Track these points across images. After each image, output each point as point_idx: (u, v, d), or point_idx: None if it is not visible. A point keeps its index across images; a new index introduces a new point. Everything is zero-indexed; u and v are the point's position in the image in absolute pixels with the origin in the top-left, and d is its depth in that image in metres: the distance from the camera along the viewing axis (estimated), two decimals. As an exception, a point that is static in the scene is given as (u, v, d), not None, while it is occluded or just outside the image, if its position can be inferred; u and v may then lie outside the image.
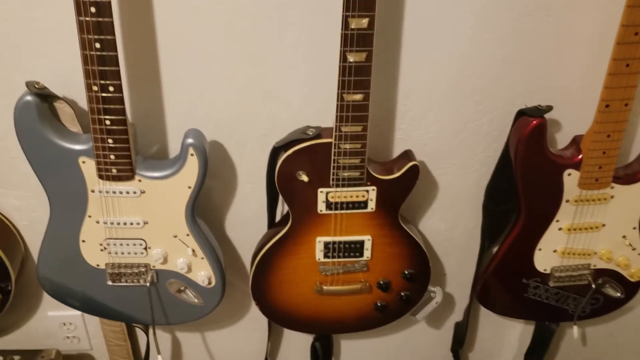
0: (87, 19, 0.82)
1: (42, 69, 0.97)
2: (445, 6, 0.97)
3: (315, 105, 1.03)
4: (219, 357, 1.39)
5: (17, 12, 0.93)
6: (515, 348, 1.41)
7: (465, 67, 1.02)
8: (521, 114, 1.01)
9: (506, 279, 1.15)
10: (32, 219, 1.14)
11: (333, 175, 0.98)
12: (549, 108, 0.99)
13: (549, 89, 1.05)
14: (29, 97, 0.91)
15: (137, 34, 0.96)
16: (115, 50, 0.85)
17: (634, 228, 1.10)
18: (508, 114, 1.05)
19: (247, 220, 1.16)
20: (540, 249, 1.10)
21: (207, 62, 0.99)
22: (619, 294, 1.18)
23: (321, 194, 1.00)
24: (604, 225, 1.08)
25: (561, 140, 1.09)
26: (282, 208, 1.13)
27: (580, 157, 1.01)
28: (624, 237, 1.10)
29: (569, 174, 1.02)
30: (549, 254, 1.11)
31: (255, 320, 1.28)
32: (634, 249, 1.12)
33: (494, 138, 1.10)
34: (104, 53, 0.84)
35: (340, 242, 1.06)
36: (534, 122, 0.97)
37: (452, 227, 1.21)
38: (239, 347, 1.36)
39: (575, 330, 1.23)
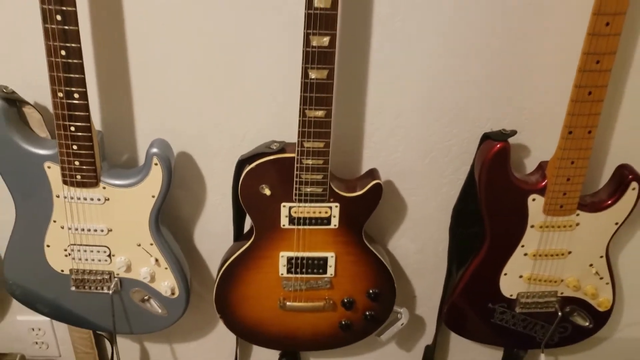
0: (53, 26, 0.83)
1: (12, 74, 0.98)
2: (414, 28, 0.98)
3: (285, 119, 1.04)
4: (187, 369, 1.38)
5: (-12, 18, 0.95)
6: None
7: (434, 88, 1.03)
8: (486, 137, 1.01)
9: (472, 303, 1.15)
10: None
11: (296, 190, 0.99)
12: (513, 132, 0.99)
13: (518, 113, 1.05)
14: (-3, 101, 0.93)
15: (109, 43, 0.98)
16: (81, 58, 0.86)
17: (601, 257, 1.09)
18: (477, 137, 1.05)
19: (216, 232, 1.16)
20: (505, 274, 1.09)
21: (179, 73, 1.01)
22: (587, 324, 1.16)
23: (284, 208, 1.01)
24: (570, 252, 1.08)
25: (530, 165, 1.09)
26: (250, 220, 1.13)
27: (544, 182, 1.01)
28: (590, 265, 1.09)
29: (534, 199, 1.02)
30: (515, 280, 1.10)
31: (224, 333, 1.26)
32: (601, 278, 1.11)
33: (463, 161, 1.10)
34: (69, 60, 0.86)
35: (303, 258, 1.06)
36: (497, 146, 0.97)
37: (422, 249, 1.21)
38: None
39: (542, 358, 1.21)
